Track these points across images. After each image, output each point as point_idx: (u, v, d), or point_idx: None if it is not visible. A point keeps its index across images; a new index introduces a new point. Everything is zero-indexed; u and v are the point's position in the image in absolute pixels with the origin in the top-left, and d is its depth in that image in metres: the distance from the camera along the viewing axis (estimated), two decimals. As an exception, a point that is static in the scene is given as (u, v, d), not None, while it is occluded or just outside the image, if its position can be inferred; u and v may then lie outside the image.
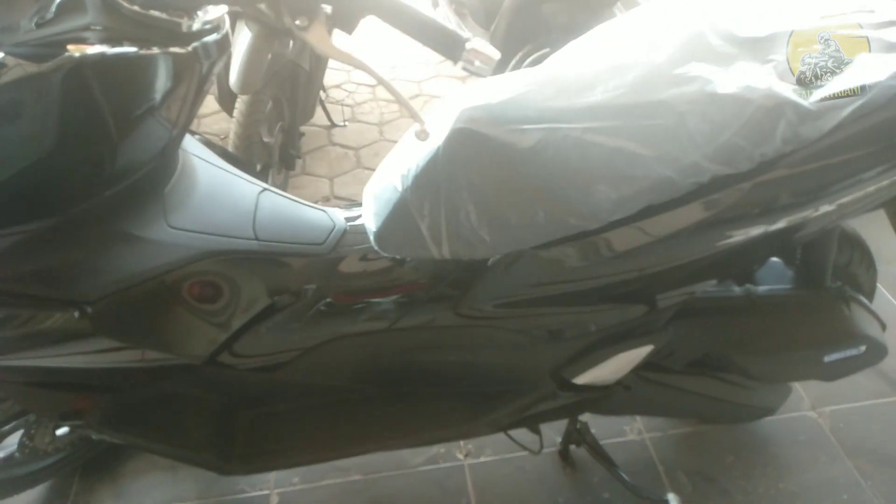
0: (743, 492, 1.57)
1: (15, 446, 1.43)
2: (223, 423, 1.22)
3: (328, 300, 1.12)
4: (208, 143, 1.23)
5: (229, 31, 0.98)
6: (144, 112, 0.90)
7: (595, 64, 1.01)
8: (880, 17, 0.99)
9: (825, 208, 1.01)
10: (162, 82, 0.89)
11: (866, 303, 1.32)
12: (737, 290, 1.28)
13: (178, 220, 1.02)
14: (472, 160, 1.00)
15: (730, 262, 1.13)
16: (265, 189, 1.17)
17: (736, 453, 1.65)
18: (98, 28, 0.84)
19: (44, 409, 1.24)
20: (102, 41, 0.83)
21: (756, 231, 1.01)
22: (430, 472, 1.60)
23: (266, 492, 1.57)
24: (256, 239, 1.08)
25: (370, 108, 3.14)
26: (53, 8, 0.83)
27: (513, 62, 2.61)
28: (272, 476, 1.60)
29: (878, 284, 1.50)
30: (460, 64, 0.86)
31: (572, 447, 1.59)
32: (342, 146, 2.87)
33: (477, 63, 0.85)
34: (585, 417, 1.48)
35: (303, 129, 2.63)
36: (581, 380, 1.22)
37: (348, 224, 1.16)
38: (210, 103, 2.71)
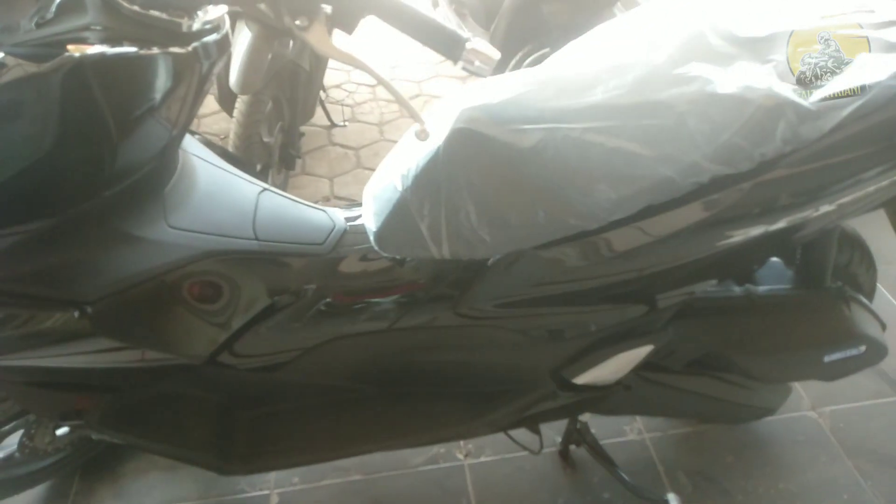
0: (743, 492, 1.57)
1: (15, 446, 1.43)
2: (223, 423, 1.22)
3: (328, 300, 1.12)
4: (208, 143, 1.23)
5: (229, 32, 0.98)
6: (144, 112, 0.90)
7: (595, 64, 1.01)
8: (880, 17, 0.99)
9: (825, 208, 1.01)
10: (162, 82, 0.89)
11: (866, 303, 1.32)
12: (737, 290, 1.28)
13: (178, 220, 1.02)
14: (472, 160, 1.00)
15: (730, 262, 1.13)
16: (265, 189, 1.17)
17: (736, 453, 1.65)
18: (98, 28, 0.84)
19: (44, 408, 1.24)
20: (102, 41, 0.83)
21: (756, 231, 1.01)
22: (431, 472, 1.60)
23: (266, 492, 1.57)
24: (256, 239, 1.08)
25: (370, 108, 3.14)
26: (53, 8, 0.83)
27: (513, 62, 2.61)
28: (272, 476, 1.60)
29: (879, 284, 1.50)
30: (460, 64, 0.86)
31: (572, 447, 1.59)
32: (342, 146, 2.88)
33: (477, 63, 0.85)
34: (585, 417, 1.48)
35: (303, 129, 2.63)
36: (581, 380, 1.22)
37: (348, 224, 1.16)
38: (210, 103, 2.71)
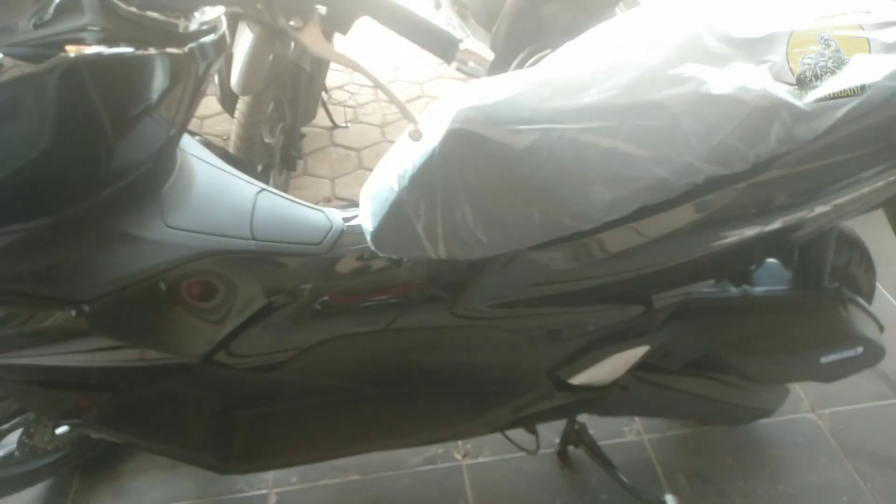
0: (741, 493, 1.56)
1: (14, 445, 1.44)
2: (221, 422, 1.23)
3: (325, 300, 1.13)
4: (209, 144, 1.24)
5: (226, 32, 0.99)
6: (141, 112, 0.91)
7: (591, 65, 1.01)
8: (879, 18, 0.99)
9: (820, 209, 1.01)
10: (158, 83, 0.90)
11: (864, 304, 1.32)
12: (734, 290, 1.28)
13: (176, 220, 1.03)
14: (468, 161, 1.00)
15: (726, 263, 1.13)
16: (263, 189, 1.17)
17: (735, 455, 1.65)
18: (95, 29, 0.84)
19: (43, 407, 1.24)
20: (99, 42, 0.84)
21: (751, 232, 1.02)
22: (429, 473, 1.61)
23: (264, 491, 1.58)
24: (254, 239, 1.08)
25: (372, 110, 3.14)
26: (52, 9, 0.84)
27: (514, 63, 2.62)
28: (270, 475, 1.60)
29: (879, 286, 1.50)
30: (454, 65, 0.86)
31: (571, 448, 1.59)
32: (344, 147, 2.88)
33: (471, 64, 0.86)
34: (584, 418, 1.48)
35: (304, 130, 2.64)
36: (577, 380, 1.22)
37: (345, 224, 1.17)
38: (213, 105, 2.72)
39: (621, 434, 1.69)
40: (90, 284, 0.97)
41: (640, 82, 0.96)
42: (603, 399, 1.30)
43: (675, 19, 1.03)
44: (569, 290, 1.10)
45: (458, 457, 1.64)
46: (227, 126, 2.78)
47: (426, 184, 1.01)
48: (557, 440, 1.61)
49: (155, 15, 0.87)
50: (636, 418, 1.71)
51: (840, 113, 0.91)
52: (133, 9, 0.86)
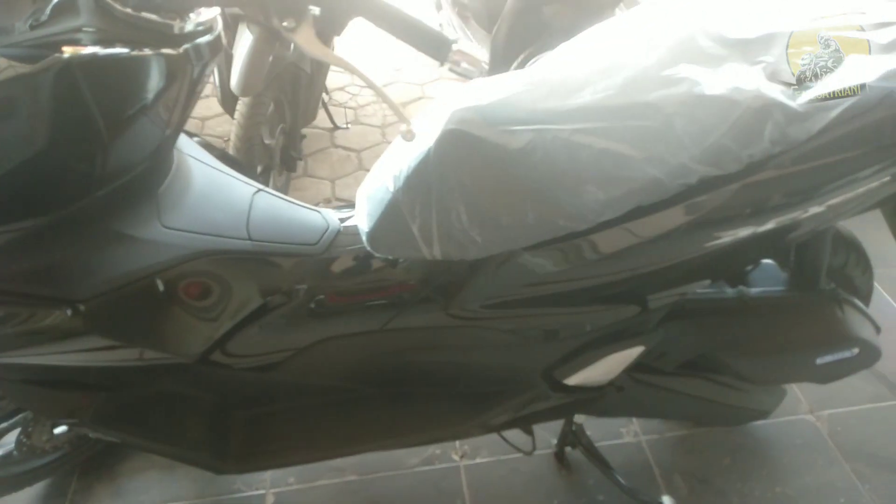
0: (739, 494, 1.56)
1: (13, 444, 1.44)
2: (219, 422, 1.23)
3: (321, 300, 1.13)
4: (208, 145, 1.24)
5: (222, 33, 0.99)
6: (136, 113, 0.91)
7: (585, 65, 1.01)
8: (876, 18, 0.99)
9: (815, 210, 1.01)
10: (154, 83, 0.90)
11: (860, 305, 1.32)
12: (729, 291, 1.28)
13: (172, 220, 1.03)
14: (462, 161, 1.00)
15: (721, 264, 1.13)
16: (260, 189, 1.18)
17: (733, 456, 1.64)
18: (91, 30, 0.85)
19: (40, 406, 1.25)
20: (95, 42, 0.84)
21: (745, 232, 1.02)
22: (426, 473, 1.61)
23: (262, 491, 1.58)
24: (250, 239, 1.09)
25: (373, 111, 3.15)
26: (48, 10, 0.84)
27: (515, 64, 2.61)
28: (268, 475, 1.60)
29: (878, 287, 1.50)
30: (447, 65, 0.86)
31: (568, 449, 1.59)
32: (344, 148, 2.89)
33: (463, 65, 0.86)
34: (580, 419, 1.48)
35: (305, 131, 2.64)
36: (572, 381, 1.22)
37: (342, 225, 1.17)
38: (213, 106, 2.72)
39: (619, 435, 1.69)
40: (86, 284, 0.97)
41: (634, 83, 0.96)
42: (599, 400, 1.30)
43: (671, 20, 1.03)
44: (563, 291, 1.10)
45: (456, 457, 1.64)
46: (227, 127, 2.78)
47: (421, 184, 1.02)
48: (555, 441, 1.61)
49: (150, 16, 0.88)
50: (633, 419, 1.71)
51: (834, 113, 0.91)
52: (128, 10, 0.86)
